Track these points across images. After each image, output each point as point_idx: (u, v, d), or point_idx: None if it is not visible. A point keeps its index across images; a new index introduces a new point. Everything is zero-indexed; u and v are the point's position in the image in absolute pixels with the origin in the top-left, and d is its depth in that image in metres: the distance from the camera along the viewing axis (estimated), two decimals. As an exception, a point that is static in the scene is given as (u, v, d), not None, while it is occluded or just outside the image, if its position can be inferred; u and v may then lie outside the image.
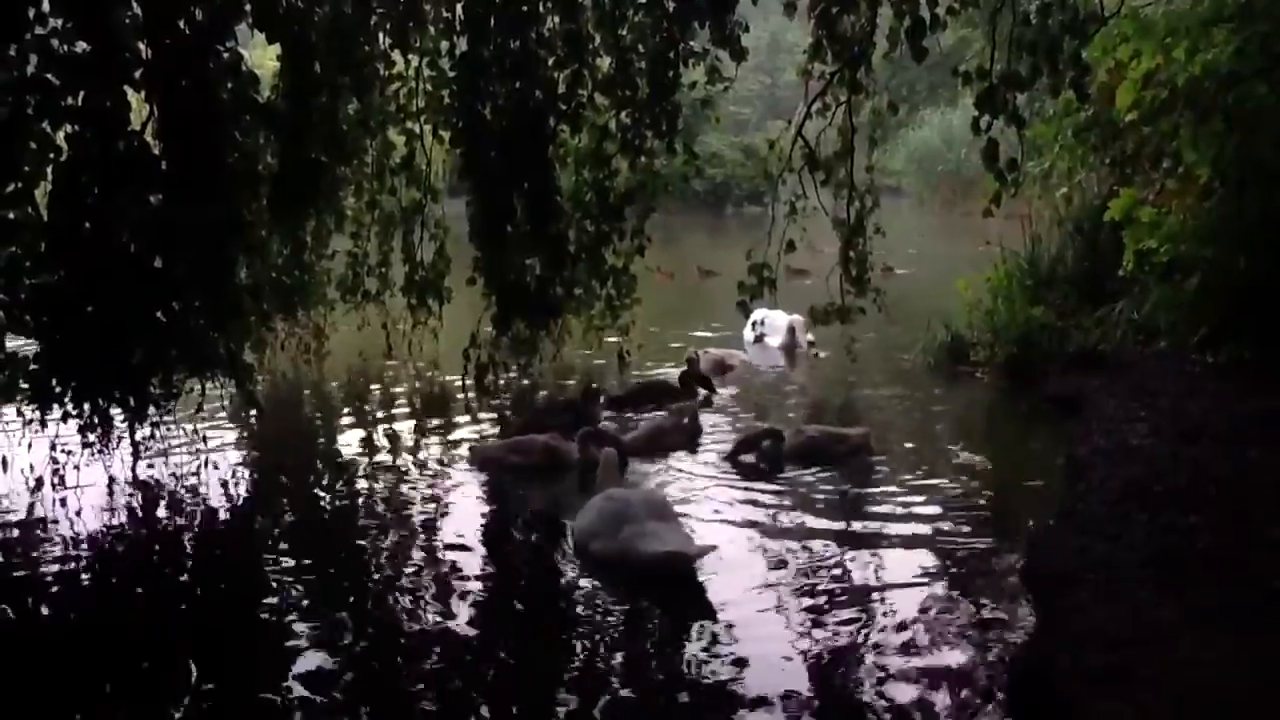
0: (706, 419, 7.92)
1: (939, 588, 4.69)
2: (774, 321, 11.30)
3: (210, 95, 5.93)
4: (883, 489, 6.25)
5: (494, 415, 8.40)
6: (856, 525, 5.61)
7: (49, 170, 5.60)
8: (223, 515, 6.07)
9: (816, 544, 5.24)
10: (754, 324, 11.44)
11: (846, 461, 6.74)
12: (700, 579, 4.80)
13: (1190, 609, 3.84)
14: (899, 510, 5.81)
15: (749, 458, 6.92)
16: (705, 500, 6.10)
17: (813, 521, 5.64)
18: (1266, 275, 7.70)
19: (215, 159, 6.00)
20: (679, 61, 8.05)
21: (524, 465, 6.75)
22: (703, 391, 9.07)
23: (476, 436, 7.72)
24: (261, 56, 12.20)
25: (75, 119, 5.51)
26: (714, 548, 4.96)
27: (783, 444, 6.89)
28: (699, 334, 12.21)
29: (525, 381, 9.32)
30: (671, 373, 9.41)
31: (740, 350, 11.01)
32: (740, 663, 3.99)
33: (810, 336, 10.84)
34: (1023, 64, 6.83)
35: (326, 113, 7.88)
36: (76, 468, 6.25)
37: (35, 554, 5.39)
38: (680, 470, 6.77)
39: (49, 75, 5.39)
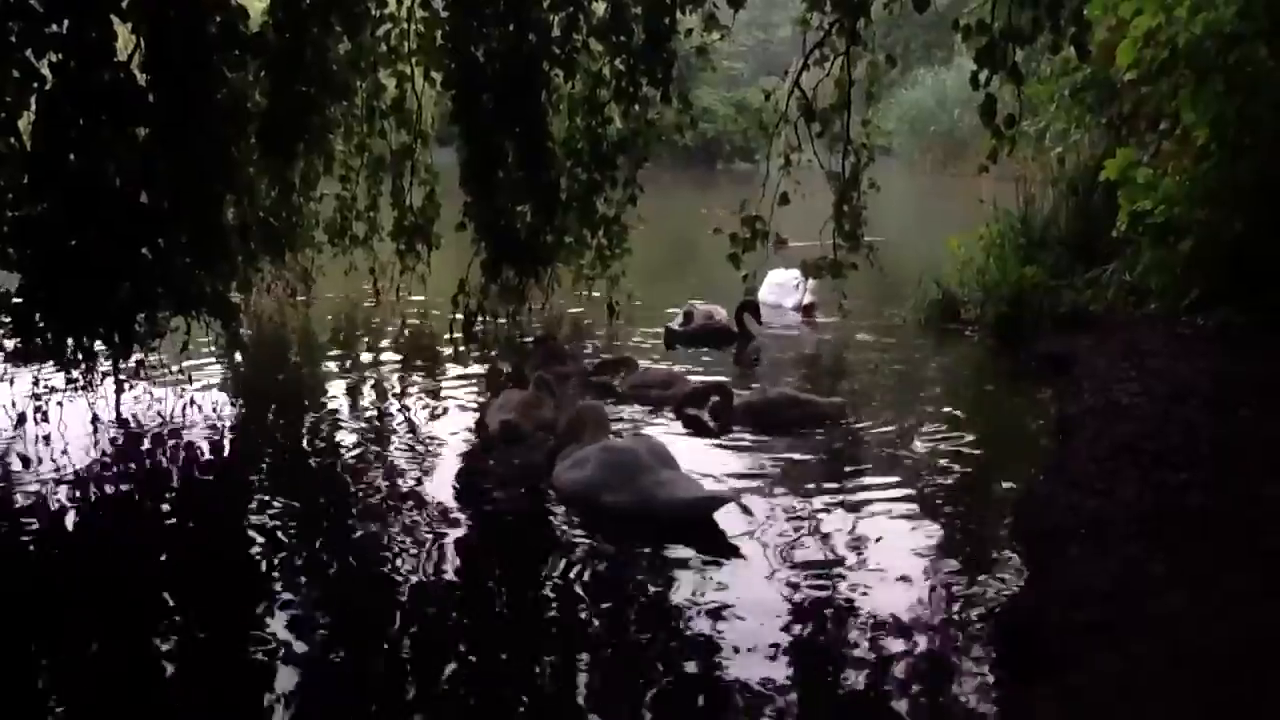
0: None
1: (927, 543, 4.66)
2: (774, 279, 10.99)
3: (198, 28, 5.81)
4: (870, 445, 6.20)
5: (481, 362, 8.32)
6: (842, 480, 5.54)
7: (32, 100, 5.49)
8: (206, 455, 6.00)
9: (800, 499, 5.18)
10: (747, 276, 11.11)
11: (811, 425, 6.45)
12: (719, 526, 4.75)
13: (1181, 565, 3.84)
14: (887, 465, 5.77)
15: (695, 412, 6.70)
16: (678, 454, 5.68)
17: (796, 476, 5.56)
18: (1260, 239, 7.69)
19: (203, 93, 5.89)
20: (675, 8, 7.94)
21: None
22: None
23: (460, 381, 7.65)
24: (249, -3, 11.98)
25: (60, 48, 5.40)
26: (738, 494, 4.96)
27: (731, 401, 6.65)
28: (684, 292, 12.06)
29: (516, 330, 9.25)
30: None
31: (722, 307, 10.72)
32: (727, 616, 3.95)
33: (812, 296, 10.66)
34: (1024, 18, 6.74)
35: (317, 50, 7.75)
36: (60, 404, 6.19)
37: (16, 491, 5.32)
38: (634, 422, 6.60)
39: (32, 2, 5.27)
